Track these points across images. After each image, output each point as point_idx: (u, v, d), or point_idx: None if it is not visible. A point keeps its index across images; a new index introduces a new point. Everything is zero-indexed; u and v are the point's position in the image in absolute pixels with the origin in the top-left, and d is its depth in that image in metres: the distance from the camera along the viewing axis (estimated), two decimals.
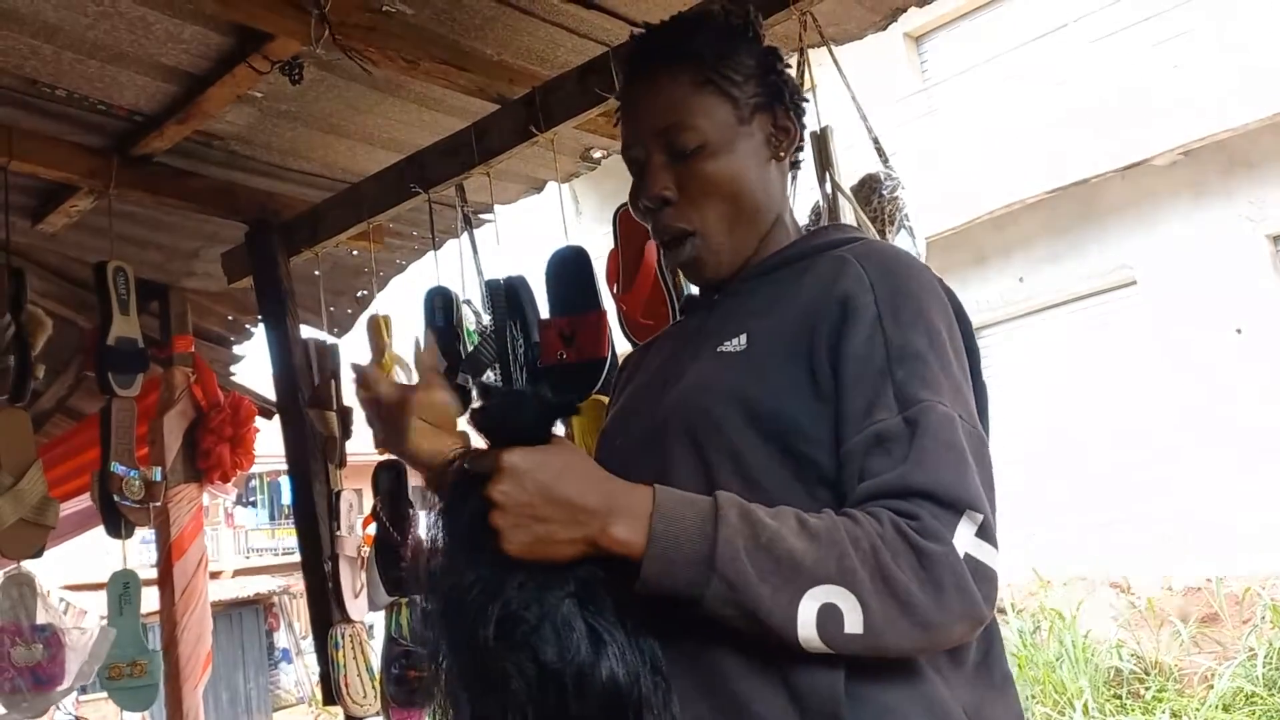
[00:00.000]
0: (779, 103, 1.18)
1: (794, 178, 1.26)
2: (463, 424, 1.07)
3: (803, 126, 1.23)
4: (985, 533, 0.92)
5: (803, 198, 1.55)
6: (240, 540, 20.08)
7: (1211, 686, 6.23)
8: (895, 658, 0.92)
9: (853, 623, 0.88)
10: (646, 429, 1.12)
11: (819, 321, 1.03)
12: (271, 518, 20.90)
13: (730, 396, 1.04)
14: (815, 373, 1.01)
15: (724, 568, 0.89)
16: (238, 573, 18.75)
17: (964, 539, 0.91)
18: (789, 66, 1.25)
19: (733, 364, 1.07)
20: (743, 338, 1.08)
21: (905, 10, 2.29)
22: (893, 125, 9.64)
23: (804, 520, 0.93)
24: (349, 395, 2.76)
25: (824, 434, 1.00)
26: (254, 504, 20.93)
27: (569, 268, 2.25)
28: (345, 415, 2.72)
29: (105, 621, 2.73)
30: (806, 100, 1.25)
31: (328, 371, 2.76)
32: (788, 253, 1.16)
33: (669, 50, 1.17)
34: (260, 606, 17.12)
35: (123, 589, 2.72)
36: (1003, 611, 7.57)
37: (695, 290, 1.30)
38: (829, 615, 0.88)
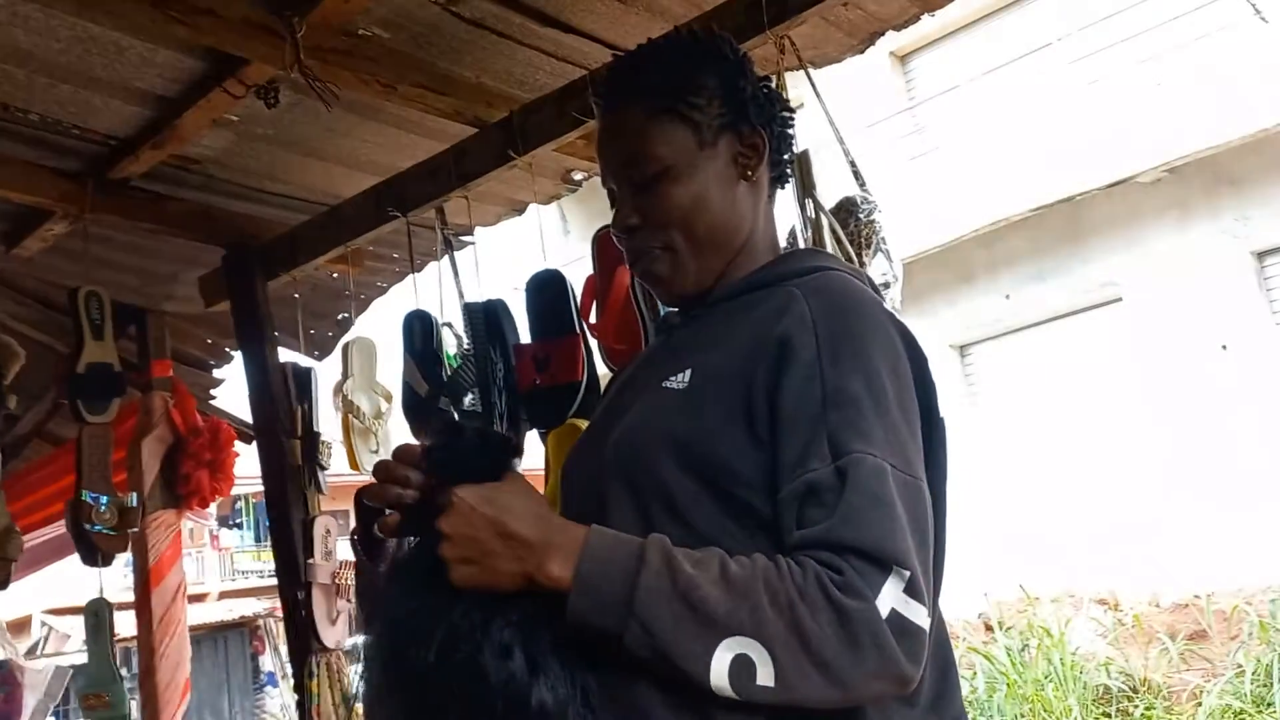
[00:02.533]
0: (744, 119, 1.17)
1: (773, 194, 1.24)
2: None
3: (781, 139, 1.22)
4: (913, 589, 0.91)
5: (784, 219, 1.54)
6: (225, 562, 19.95)
7: (1200, 704, 6.22)
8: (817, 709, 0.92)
9: (764, 675, 0.89)
10: (592, 465, 1.13)
11: (759, 362, 1.02)
12: (257, 539, 20.76)
13: (665, 438, 1.04)
14: (753, 415, 1.01)
15: (641, 612, 0.91)
16: (223, 595, 18.62)
17: (889, 596, 0.90)
18: (765, 81, 1.23)
19: (672, 402, 1.07)
20: (686, 374, 1.08)
21: (883, 34, 2.29)
22: (879, 143, 9.69)
23: (726, 567, 0.93)
24: (324, 420, 2.74)
25: (760, 479, 0.99)
26: (239, 525, 20.81)
27: (545, 291, 2.24)
28: (311, 442, 2.69)
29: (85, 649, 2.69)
30: (789, 113, 1.24)
31: (295, 398, 2.73)
32: (749, 280, 1.16)
33: (627, 83, 1.19)
34: (246, 630, 16.96)
35: (94, 618, 2.69)
36: (990, 629, 7.55)
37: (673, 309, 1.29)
38: (741, 667, 0.89)
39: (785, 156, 1.24)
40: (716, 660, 0.89)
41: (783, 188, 1.27)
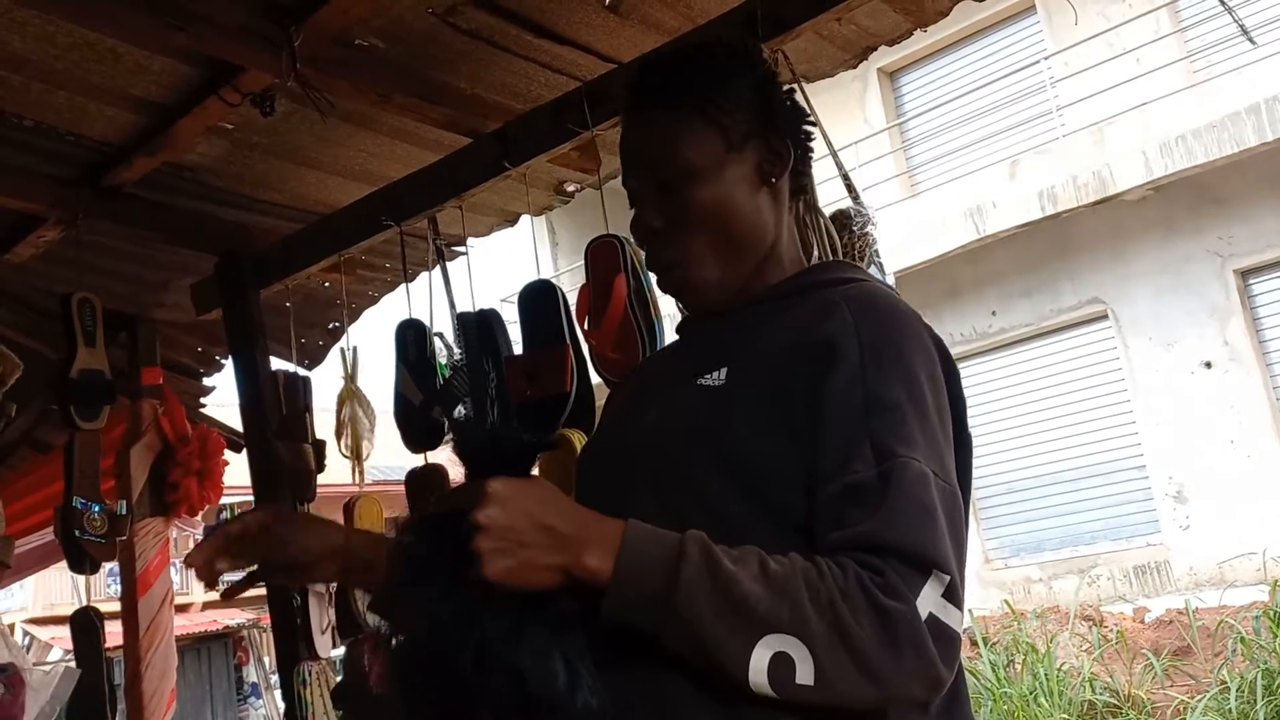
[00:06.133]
0: (771, 128, 1.17)
1: (794, 207, 1.23)
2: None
3: (801, 150, 1.21)
4: (950, 594, 0.92)
5: None
6: None
7: None
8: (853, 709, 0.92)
9: (804, 674, 0.88)
10: (614, 462, 1.12)
11: (800, 364, 1.02)
12: None
13: (701, 435, 1.04)
14: (792, 416, 1.01)
15: (681, 606, 0.90)
16: (206, 605, 18.47)
17: (928, 599, 0.90)
18: (790, 93, 1.23)
19: (709, 399, 1.06)
20: (722, 371, 1.07)
21: (876, 49, 2.31)
22: (868, 159, 9.74)
23: (766, 565, 0.92)
24: (322, 428, 2.74)
25: (796, 479, 0.99)
26: None
27: (535, 302, 2.25)
28: (319, 448, 2.69)
29: (70, 658, 2.66)
30: (812, 126, 1.25)
31: (298, 404, 2.73)
32: (783, 287, 1.16)
33: (660, 84, 1.18)
34: (229, 640, 16.84)
35: None
36: (975, 644, 7.56)
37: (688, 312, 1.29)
38: (780, 664, 0.89)
39: (805, 169, 1.23)
40: (756, 657, 0.89)
41: (803, 199, 1.27)
